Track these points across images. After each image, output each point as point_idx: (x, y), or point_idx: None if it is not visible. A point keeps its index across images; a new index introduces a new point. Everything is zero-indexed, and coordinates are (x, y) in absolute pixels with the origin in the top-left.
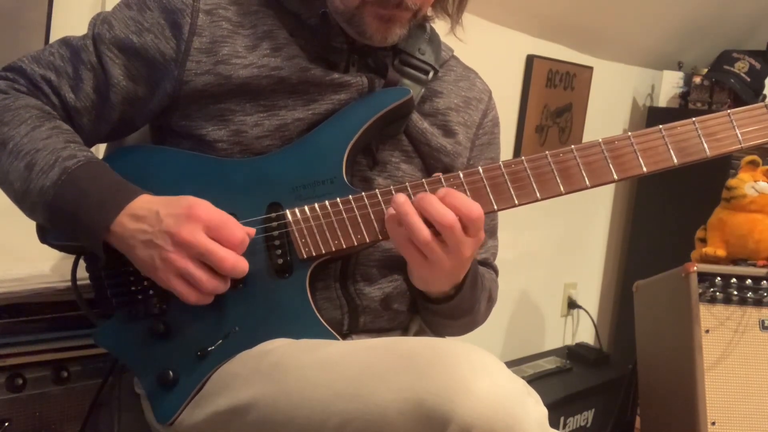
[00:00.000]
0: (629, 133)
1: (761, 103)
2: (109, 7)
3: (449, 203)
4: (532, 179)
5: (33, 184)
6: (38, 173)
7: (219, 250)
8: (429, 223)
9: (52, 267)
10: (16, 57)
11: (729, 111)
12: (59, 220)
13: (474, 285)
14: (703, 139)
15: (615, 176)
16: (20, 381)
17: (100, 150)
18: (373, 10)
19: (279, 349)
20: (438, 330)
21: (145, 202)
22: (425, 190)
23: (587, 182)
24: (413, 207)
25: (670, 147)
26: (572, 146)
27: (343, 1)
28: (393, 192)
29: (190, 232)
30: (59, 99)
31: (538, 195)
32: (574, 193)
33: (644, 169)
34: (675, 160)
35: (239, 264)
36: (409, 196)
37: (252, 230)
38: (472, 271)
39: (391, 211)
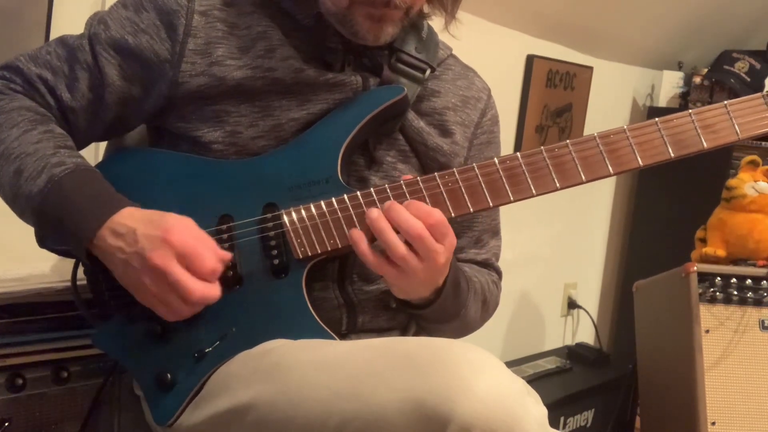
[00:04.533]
0: (625, 127)
1: (759, 94)
2: (108, 7)
3: (413, 213)
4: (527, 174)
5: (21, 189)
6: (26, 179)
7: (186, 281)
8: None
9: (52, 267)
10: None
11: (726, 102)
12: (47, 226)
13: (457, 289)
14: (699, 131)
15: (611, 170)
16: (20, 381)
17: (100, 148)
18: (364, 10)
19: (278, 349)
20: (430, 333)
21: (126, 218)
22: (420, 189)
23: (583, 177)
24: (387, 222)
25: (666, 140)
26: (567, 141)
27: (334, 2)
28: (388, 191)
29: (161, 258)
30: (55, 98)
31: (533, 191)
32: (571, 188)
33: (640, 162)
34: (671, 153)
35: (207, 295)
36: (404, 194)
37: (228, 255)
38: (452, 276)
39: (354, 234)
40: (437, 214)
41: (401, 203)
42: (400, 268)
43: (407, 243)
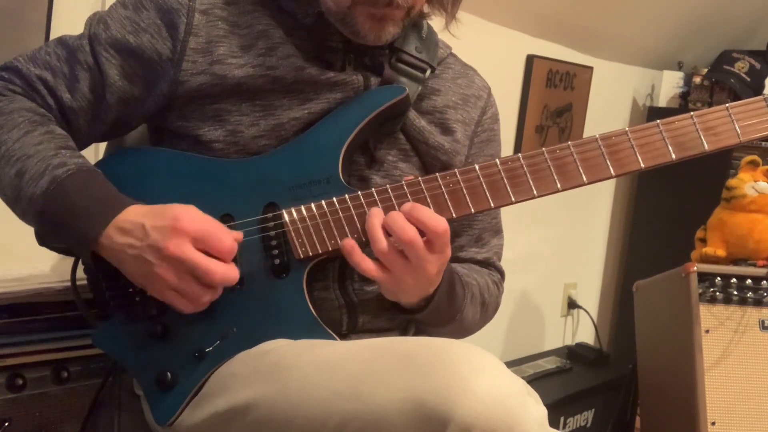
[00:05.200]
0: (626, 129)
1: (760, 97)
2: (108, 7)
3: (414, 218)
4: (528, 176)
5: (23, 192)
6: (28, 181)
7: (206, 263)
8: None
9: (52, 267)
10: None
11: (727, 105)
12: (50, 228)
13: (452, 296)
14: (701, 133)
15: (612, 172)
16: (20, 381)
17: (100, 148)
18: (365, 10)
19: (278, 349)
20: (430, 334)
21: (131, 215)
22: (421, 189)
23: (584, 178)
24: (379, 220)
25: (667, 142)
26: (569, 142)
27: (335, 1)
28: (389, 191)
29: (177, 246)
30: (55, 99)
31: (534, 192)
32: (572, 189)
33: (642, 164)
34: (673, 156)
35: (228, 274)
36: (405, 195)
37: (240, 234)
38: (445, 283)
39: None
40: (444, 224)
41: (407, 204)
42: (387, 270)
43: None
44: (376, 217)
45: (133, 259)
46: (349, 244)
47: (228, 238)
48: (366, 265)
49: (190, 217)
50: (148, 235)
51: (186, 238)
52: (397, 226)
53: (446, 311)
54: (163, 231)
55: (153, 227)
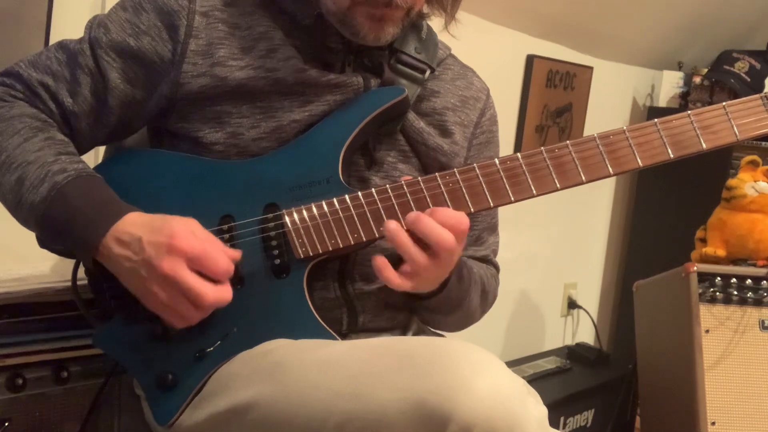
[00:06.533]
0: (624, 128)
1: (757, 95)
2: (109, 8)
3: (439, 221)
4: (527, 175)
5: (24, 198)
6: (28, 188)
7: (198, 287)
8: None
9: (52, 267)
10: (16, 57)
11: (724, 104)
12: (51, 234)
13: (460, 277)
14: (698, 132)
15: (611, 171)
16: (20, 381)
17: (100, 151)
18: (364, 10)
19: (279, 349)
20: (434, 326)
21: (129, 225)
22: (421, 189)
23: (583, 177)
24: (407, 235)
25: (665, 141)
26: (567, 141)
27: (335, 2)
28: (389, 191)
29: (171, 266)
30: (56, 104)
31: (533, 191)
32: (571, 188)
33: (640, 163)
34: (671, 154)
35: (220, 297)
36: (405, 195)
37: (238, 253)
38: (456, 265)
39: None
40: (466, 221)
41: (425, 211)
42: (417, 274)
43: (420, 245)
44: (402, 234)
45: (128, 272)
46: (382, 261)
47: (223, 260)
48: (397, 281)
49: (188, 233)
50: (144, 250)
51: (181, 257)
52: (438, 235)
53: (457, 293)
54: (159, 248)
55: (149, 242)
